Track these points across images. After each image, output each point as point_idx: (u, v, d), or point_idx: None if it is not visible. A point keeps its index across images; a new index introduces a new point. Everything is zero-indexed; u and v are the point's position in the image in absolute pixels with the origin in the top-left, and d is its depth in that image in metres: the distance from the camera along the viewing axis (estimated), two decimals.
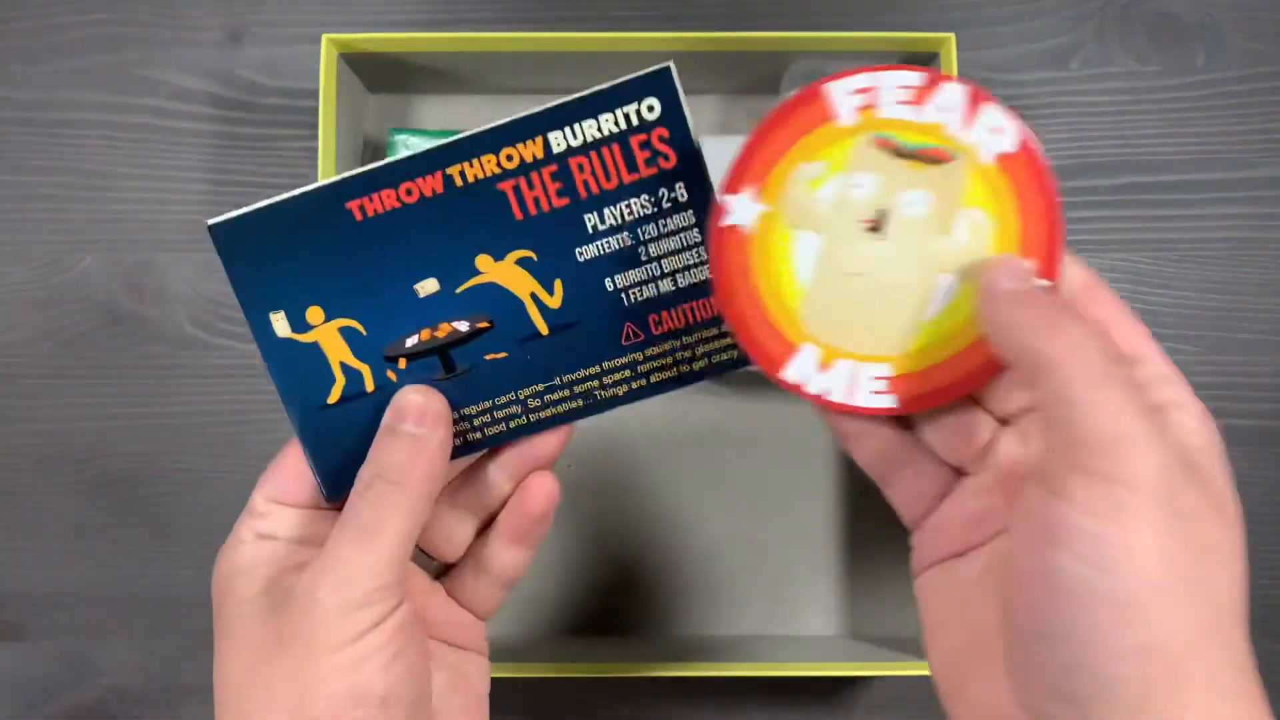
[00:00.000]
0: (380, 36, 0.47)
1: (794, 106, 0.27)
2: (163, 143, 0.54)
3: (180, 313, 0.53)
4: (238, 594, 0.29)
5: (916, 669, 0.45)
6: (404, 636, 0.28)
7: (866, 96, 0.27)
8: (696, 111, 0.53)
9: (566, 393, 0.31)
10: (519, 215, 0.29)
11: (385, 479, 0.28)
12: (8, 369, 0.53)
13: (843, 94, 0.27)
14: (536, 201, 0.29)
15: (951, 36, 0.46)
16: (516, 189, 0.29)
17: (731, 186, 0.27)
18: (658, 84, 0.28)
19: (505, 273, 0.30)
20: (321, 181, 0.29)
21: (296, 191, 0.29)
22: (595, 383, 0.31)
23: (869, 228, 0.27)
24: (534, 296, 0.30)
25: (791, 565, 0.52)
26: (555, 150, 0.29)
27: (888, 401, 0.28)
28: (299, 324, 0.30)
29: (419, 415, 0.29)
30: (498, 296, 0.30)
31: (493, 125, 0.29)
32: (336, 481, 0.30)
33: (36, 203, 0.53)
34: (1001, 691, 0.26)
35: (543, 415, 0.31)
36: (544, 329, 0.30)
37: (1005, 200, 0.27)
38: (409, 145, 0.50)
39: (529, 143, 0.29)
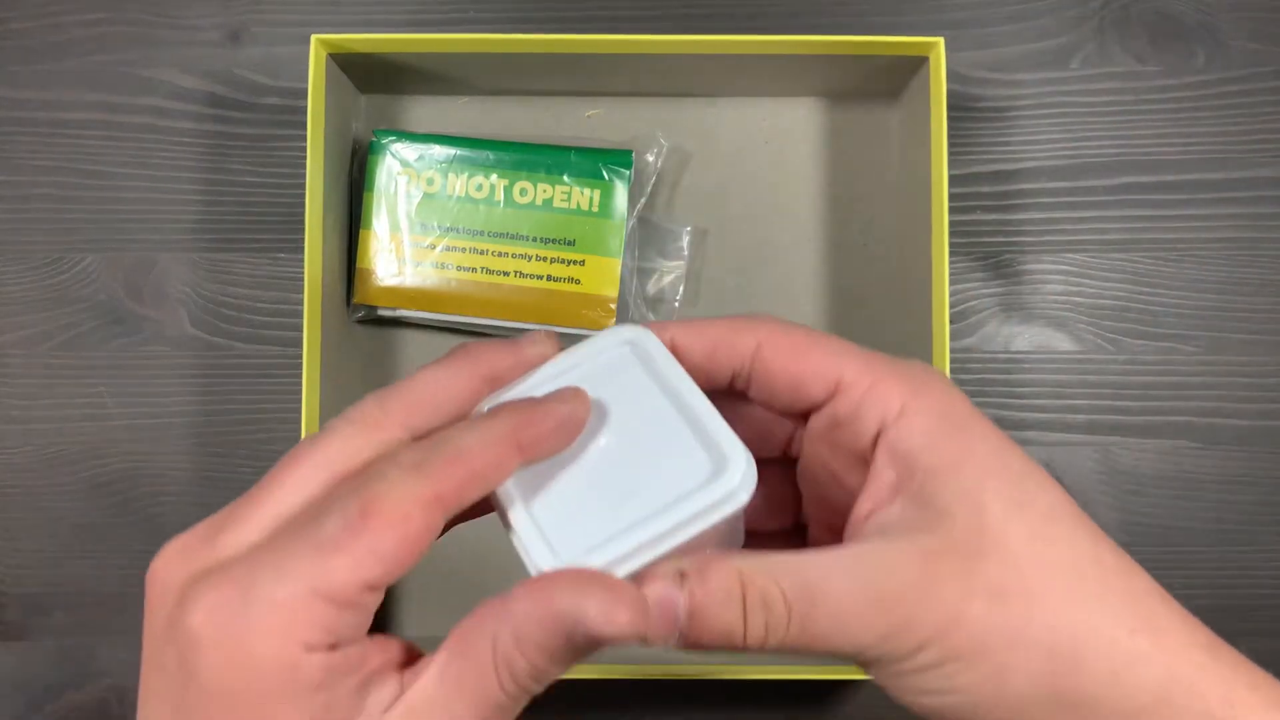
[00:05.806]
0: (369, 37, 0.47)
1: None
2: (162, 142, 0.54)
3: (180, 312, 0.53)
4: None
5: None
6: None
7: None
8: (688, 115, 0.53)
9: None
10: None
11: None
12: (7, 369, 0.53)
13: None
14: None
15: (940, 41, 0.46)
16: None
17: None
18: None
19: None
20: None
21: None
22: None
23: None
24: None
25: None
26: None
27: None
28: None
29: None
30: None
31: None
32: None
33: (36, 202, 0.53)
34: None
35: None
36: None
37: None
38: (393, 148, 0.50)
39: None
